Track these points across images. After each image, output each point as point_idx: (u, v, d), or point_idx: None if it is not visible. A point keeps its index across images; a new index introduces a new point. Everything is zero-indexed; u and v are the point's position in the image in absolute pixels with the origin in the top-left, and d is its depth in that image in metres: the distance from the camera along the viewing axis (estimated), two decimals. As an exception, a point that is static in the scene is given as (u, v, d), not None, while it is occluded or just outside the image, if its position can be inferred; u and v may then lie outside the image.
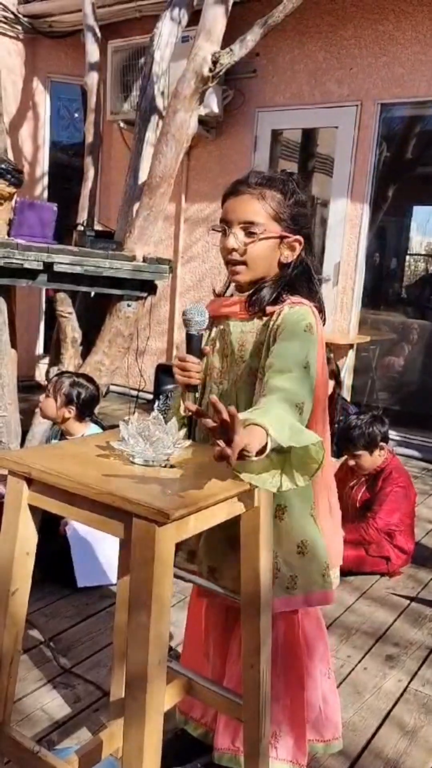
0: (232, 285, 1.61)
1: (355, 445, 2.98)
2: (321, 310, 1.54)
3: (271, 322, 1.47)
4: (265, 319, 1.50)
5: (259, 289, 1.50)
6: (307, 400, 1.33)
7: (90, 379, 2.94)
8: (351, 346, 4.91)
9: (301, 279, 1.52)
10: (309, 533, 1.54)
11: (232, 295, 1.59)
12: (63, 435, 2.94)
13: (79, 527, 2.61)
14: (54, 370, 3.82)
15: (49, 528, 2.49)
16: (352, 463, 3.04)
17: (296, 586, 1.53)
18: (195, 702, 1.73)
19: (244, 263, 1.48)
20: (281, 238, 1.48)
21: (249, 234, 1.46)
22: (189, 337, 1.47)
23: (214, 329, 1.58)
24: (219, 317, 1.57)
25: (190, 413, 1.46)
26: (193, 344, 1.47)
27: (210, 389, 1.56)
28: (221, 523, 1.44)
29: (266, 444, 1.15)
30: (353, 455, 3.01)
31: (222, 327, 1.56)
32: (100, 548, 2.63)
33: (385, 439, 3.03)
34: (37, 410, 3.78)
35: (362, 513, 3.01)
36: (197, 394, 1.51)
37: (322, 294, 1.58)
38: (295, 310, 1.46)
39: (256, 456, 1.15)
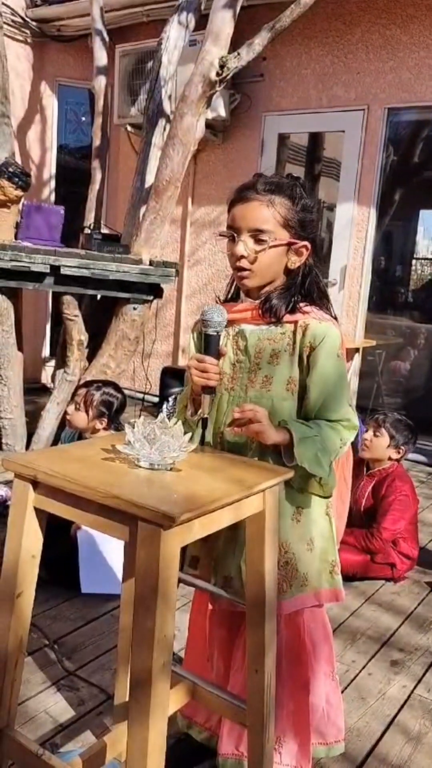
0: (236, 289, 1.62)
1: (386, 424, 3.00)
2: (336, 317, 1.56)
3: (297, 336, 1.49)
4: (285, 327, 1.50)
5: (270, 298, 1.50)
6: (352, 436, 1.52)
7: (117, 388, 2.93)
8: (357, 349, 4.91)
9: (311, 285, 1.54)
10: (320, 530, 1.57)
11: (240, 301, 1.59)
12: (80, 436, 2.94)
13: (90, 532, 2.60)
14: (60, 373, 3.82)
15: (60, 530, 2.49)
16: (369, 435, 3.03)
17: (307, 583, 1.54)
18: (199, 706, 1.73)
19: (252, 270, 1.48)
20: (289, 244, 1.48)
21: (258, 242, 1.46)
22: (207, 338, 1.46)
23: (222, 334, 1.58)
24: (228, 322, 1.57)
25: (203, 417, 1.47)
26: (211, 345, 1.46)
27: (220, 395, 1.55)
28: (236, 535, 1.45)
29: (290, 443, 1.40)
30: (377, 428, 3.01)
31: (235, 333, 1.56)
32: (108, 555, 2.61)
33: (407, 445, 3.03)
34: (43, 412, 3.79)
35: (366, 519, 3.01)
36: (214, 396, 1.51)
37: (331, 300, 1.60)
38: (323, 328, 1.48)
39: (273, 447, 1.43)
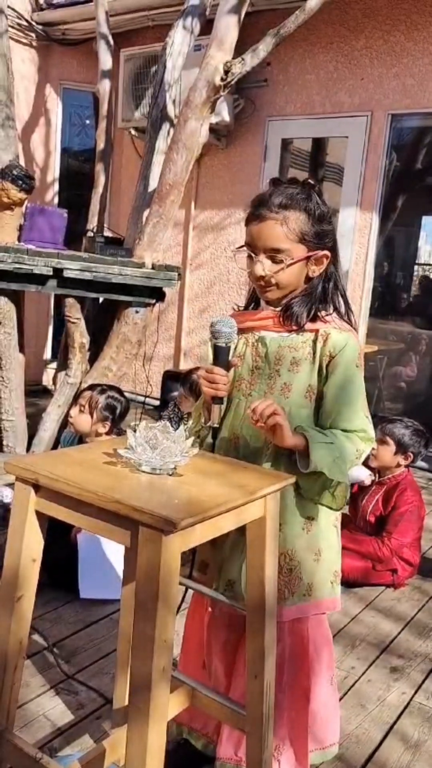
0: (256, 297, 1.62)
1: (392, 432, 2.99)
2: (356, 328, 1.57)
3: (318, 345, 1.49)
4: (306, 335, 1.51)
5: (291, 305, 1.51)
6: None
7: (120, 392, 2.94)
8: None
9: (333, 292, 1.55)
10: (327, 541, 1.57)
11: (261, 308, 1.59)
12: (81, 440, 2.94)
13: (90, 536, 2.60)
14: (62, 375, 3.83)
15: (60, 533, 2.48)
16: (373, 445, 3.03)
17: (311, 593, 1.54)
18: (196, 713, 1.72)
19: (272, 286, 1.49)
20: (308, 258, 1.48)
21: (276, 261, 1.46)
22: (217, 349, 1.47)
23: (242, 342, 1.58)
24: (247, 329, 1.57)
25: (212, 426, 1.48)
26: (220, 356, 1.47)
27: (238, 401, 1.56)
28: (243, 539, 1.46)
29: (304, 449, 1.40)
30: (383, 436, 3.00)
31: (254, 340, 1.56)
32: (108, 560, 2.61)
33: (415, 453, 3.02)
34: (44, 414, 3.80)
35: (375, 527, 3.00)
36: (223, 406, 1.51)
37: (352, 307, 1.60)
38: (344, 338, 1.49)
39: (288, 452, 1.45)
